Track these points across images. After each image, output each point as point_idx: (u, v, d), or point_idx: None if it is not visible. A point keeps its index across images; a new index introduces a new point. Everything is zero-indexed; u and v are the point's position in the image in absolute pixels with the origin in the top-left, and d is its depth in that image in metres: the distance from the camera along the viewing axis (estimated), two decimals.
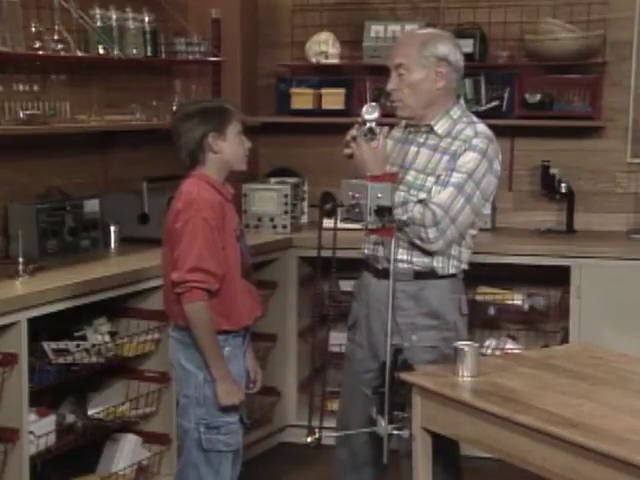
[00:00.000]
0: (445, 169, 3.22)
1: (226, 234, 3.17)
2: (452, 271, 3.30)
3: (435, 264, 3.27)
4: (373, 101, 3.29)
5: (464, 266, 3.34)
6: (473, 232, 3.33)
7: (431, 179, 3.23)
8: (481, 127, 3.30)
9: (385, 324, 3.27)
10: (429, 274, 3.28)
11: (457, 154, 3.22)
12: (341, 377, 3.54)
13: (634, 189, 5.09)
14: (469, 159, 3.21)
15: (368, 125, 3.16)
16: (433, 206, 3.18)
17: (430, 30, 3.49)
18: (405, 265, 3.24)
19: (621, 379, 2.84)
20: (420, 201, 3.20)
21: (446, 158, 3.24)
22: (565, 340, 4.63)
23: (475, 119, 3.34)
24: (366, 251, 3.36)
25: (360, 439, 3.34)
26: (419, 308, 3.25)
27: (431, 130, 3.30)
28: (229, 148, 3.19)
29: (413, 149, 3.33)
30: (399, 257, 3.25)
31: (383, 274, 3.26)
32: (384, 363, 2.79)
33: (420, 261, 3.25)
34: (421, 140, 3.32)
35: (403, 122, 3.44)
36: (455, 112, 3.32)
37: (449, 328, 3.30)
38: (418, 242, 3.22)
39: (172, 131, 3.21)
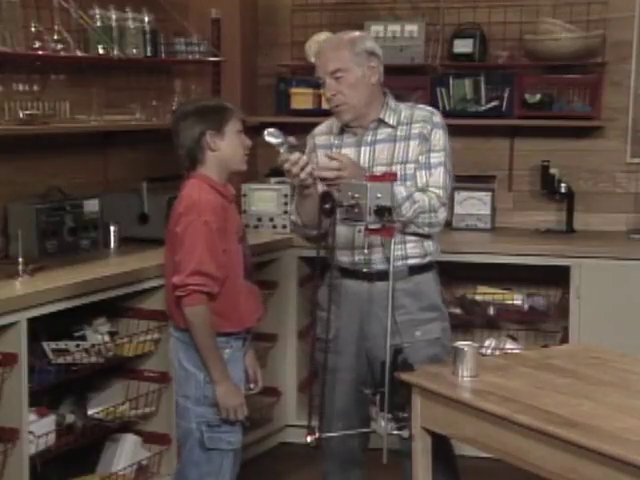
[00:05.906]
0: (420, 152, 3.26)
1: (228, 236, 3.16)
2: (436, 256, 3.36)
3: (427, 249, 3.31)
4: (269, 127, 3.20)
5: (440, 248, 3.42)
6: None
7: (410, 166, 3.26)
8: (426, 106, 3.40)
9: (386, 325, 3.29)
10: (421, 267, 3.30)
11: (425, 135, 3.27)
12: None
13: (634, 189, 5.08)
14: (439, 136, 3.29)
15: (285, 145, 3.14)
16: (433, 189, 3.23)
17: (347, 32, 3.43)
18: (399, 262, 3.23)
19: (621, 379, 2.84)
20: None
21: (414, 143, 3.28)
22: (565, 340, 4.62)
23: (410, 103, 3.44)
24: (355, 258, 3.29)
25: (348, 445, 3.36)
26: (418, 303, 3.27)
27: (380, 123, 3.32)
28: (227, 147, 3.18)
29: (365, 148, 3.32)
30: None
31: (378, 277, 3.26)
32: (384, 363, 2.79)
33: (415, 252, 3.28)
34: (369, 138, 3.32)
35: (323, 126, 3.44)
36: (391, 102, 3.37)
37: (445, 318, 3.38)
38: (426, 229, 3.24)
39: (171, 130, 3.22)
